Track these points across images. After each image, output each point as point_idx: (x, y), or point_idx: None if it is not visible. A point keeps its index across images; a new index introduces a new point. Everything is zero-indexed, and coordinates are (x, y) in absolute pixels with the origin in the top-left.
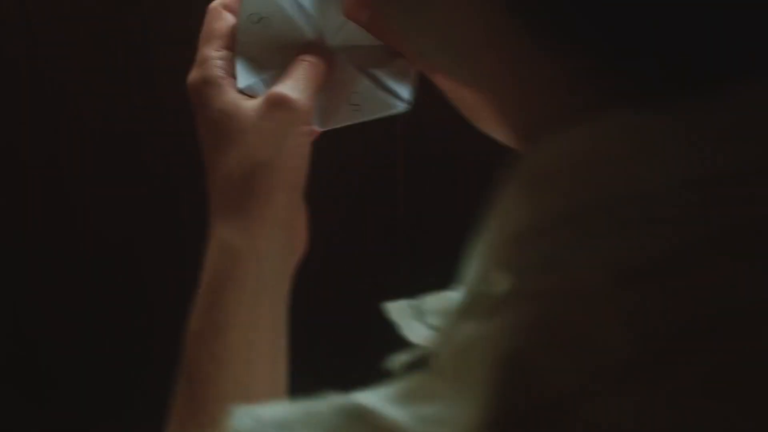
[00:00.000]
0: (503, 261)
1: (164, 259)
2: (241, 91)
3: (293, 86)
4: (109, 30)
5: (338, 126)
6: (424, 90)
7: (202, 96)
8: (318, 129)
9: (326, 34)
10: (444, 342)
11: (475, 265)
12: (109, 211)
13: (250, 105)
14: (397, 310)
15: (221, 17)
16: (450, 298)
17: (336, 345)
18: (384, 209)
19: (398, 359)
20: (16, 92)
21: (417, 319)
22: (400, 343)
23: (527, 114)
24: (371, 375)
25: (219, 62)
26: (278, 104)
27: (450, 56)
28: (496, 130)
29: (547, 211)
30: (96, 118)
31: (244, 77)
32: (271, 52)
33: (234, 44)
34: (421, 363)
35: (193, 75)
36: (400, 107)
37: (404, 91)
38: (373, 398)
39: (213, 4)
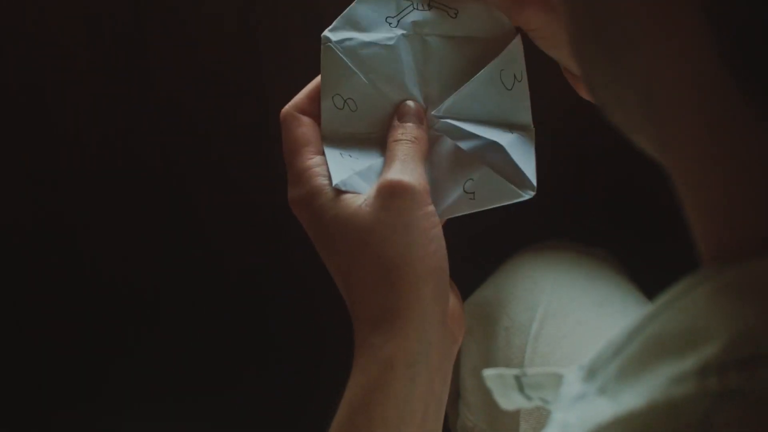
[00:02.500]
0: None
1: (163, 258)
2: (337, 188)
3: (402, 169)
4: (107, 30)
5: (454, 215)
6: None
7: (311, 210)
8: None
9: (427, 109)
10: None
11: (631, 351)
12: (107, 210)
13: (365, 201)
14: (497, 378)
15: (300, 122)
16: (558, 375)
17: None
18: None
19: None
20: (14, 92)
21: (518, 390)
22: None
23: (729, 211)
24: None
25: (317, 170)
26: (394, 192)
27: (645, 112)
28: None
29: (745, 342)
30: (94, 117)
31: (337, 172)
32: (361, 139)
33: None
34: None
35: (295, 193)
36: (525, 195)
37: (529, 172)
38: None
39: (286, 111)
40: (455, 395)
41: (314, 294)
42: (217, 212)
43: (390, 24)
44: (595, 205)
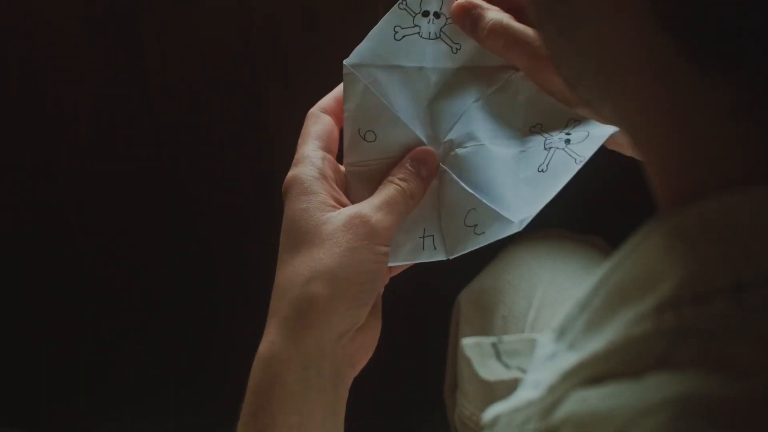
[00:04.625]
0: (645, 316)
1: (161, 254)
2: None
3: (378, 208)
4: (102, 26)
5: (465, 252)
6: None
7: (292, 193)
8: (449, 258)
9: (440, 147)
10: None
11: (596, 303)
12: (105, 208)
13: (334, 214)
14: (475, 347)
15: (318, 120)
16: (532, 339)
17: None
18: None
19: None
20: (13, 92)
21: (496, 357)
22: None
23: (680, 160)
24: None
25: (314, 161)
26: (360, 224)
27: (603, 83)
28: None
29: (699, 279)
30: (91, 115)
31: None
32: (379, 154)
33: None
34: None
35: (290, 173)
36: (514, 227)
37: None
38: None
39: (311, 110)
40: (453, 385)
41: None
42: (214, 211)
43: (396, 37)
44: (591, 194)
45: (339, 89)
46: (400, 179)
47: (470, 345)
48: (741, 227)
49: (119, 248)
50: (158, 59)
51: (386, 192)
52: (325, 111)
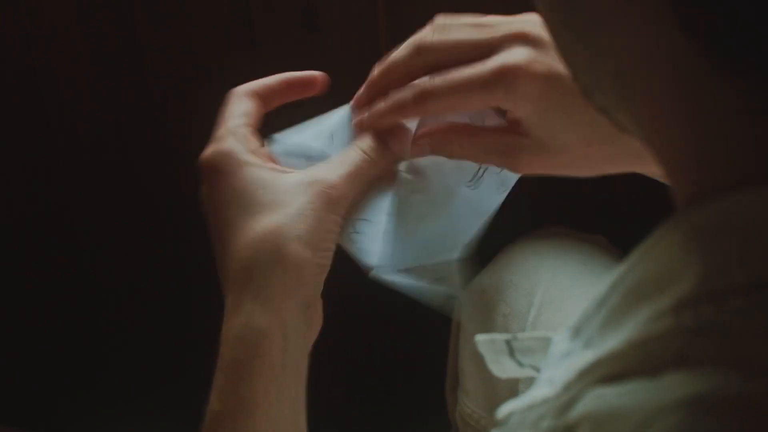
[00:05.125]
0: (663, 313)
1: (159, 254)
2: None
3: (340, 174)
4: (100, 27)
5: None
6: None
7: (229, 166)
8: None
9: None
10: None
11: (613, 302)
12: (102, 205)
13: (290, 179)
14: (489, 343)
15: (242, 101)
16: (547, 337)
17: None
18: None
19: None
20: (10, 90)
21: (509, 355)
22: None
23: (698, 161)
24: None
25: (243, 137)
26: (319, 186)
27: (620, 88)
28: (661, 176)
29: (717, 277)
30: (90, 116)
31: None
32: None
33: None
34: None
35: (217, 146)
36: (371, 261)
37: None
38: None
39: (235, 90)
40: (454, 383)
41: None
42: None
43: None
44: (593, 192)
45: (270, 78)
46: (368, 147)
47: (484, 342)
48: (758, 225)
49: (117, 249)
50: (157, 60)
51: (351, 158)
52: (248, 94)
